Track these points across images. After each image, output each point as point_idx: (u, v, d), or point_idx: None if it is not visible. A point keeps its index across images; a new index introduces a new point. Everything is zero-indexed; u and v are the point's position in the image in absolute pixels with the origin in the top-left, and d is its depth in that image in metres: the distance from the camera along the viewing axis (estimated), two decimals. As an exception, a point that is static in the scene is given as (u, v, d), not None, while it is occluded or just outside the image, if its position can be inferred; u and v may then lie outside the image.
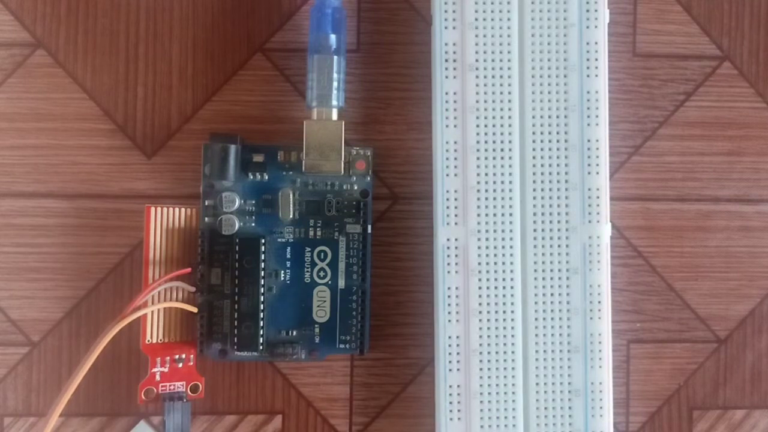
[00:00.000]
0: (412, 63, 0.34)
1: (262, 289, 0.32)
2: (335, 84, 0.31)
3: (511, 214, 0.31)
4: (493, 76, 0.31)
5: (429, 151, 0.31)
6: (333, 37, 0.32)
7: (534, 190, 0.31)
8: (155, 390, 0.32)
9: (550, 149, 0.31)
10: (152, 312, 0.31)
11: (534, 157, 0.31)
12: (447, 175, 0.31)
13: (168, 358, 0.32)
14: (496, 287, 0.30)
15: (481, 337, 0.30)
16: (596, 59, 0.31)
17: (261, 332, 0.32)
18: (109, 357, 0.33)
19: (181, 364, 0.32)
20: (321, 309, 0.32)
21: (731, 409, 0.34)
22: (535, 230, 0.31)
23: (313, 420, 0.33)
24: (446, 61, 0.31)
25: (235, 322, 0.31)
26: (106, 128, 0.33)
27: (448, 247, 0.30)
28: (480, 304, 0.30)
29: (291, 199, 0.32)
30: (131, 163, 0.33)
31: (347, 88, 0.33)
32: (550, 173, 0.31)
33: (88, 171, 0.33)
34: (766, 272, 0.34)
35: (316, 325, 0.32)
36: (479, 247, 0.30)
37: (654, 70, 0.34)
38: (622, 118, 0.34)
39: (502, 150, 0.31)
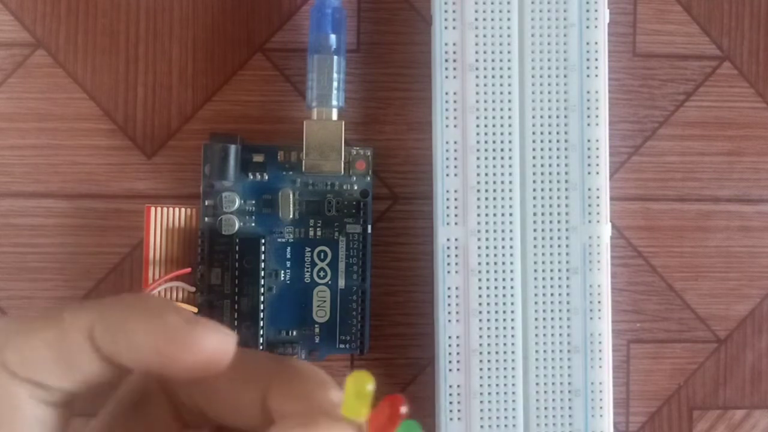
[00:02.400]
0: (412, 63, 0.34)
1: (262, 289, 0.32)
2: (335, 84, 0.31)
3: (511, 214, 0.31)
4: (493, 76, 0.31)
5: (429, 151, 0.31)
6: (333, 37, 0.32)
7: (534, 190, 0.31)
8: (155, 390, 0.32)
9: (550, 149, 0.31)
10: (152, 312, 0.31)
11: (534, 157, 0.31)
12: (447, 175, 0.31)
13: (168, 358, 0.32)
14: (496, 287, 0.30)
15: (481, 337, 0.30)
16: (596, 59, 0.31)
17: (261, 332, 0.32)
18: (109, 357, 0.33)
19: (181, 364, 0.32)
20: (321, 309, 0.32)
21: (731, 409, 0.34)
22: (535, 230, 0.31)
23: (313, 420, 0.33)
24: (446, 61, 0.31)
25: (235, 322, 0.31)
26: (106, 128, 0.33)
27: (448, 247, 0.30)
28: (480, 304, 0.30)
29: (291, 199, 0.32)
30: (131, 163, 0.33)
31: (347, 88, 0.33)
32: (550, 173, 0.31)
33: (88, 171, 0.33)
34: (766, 272, 0.34)
35: (316, 325, 0.32)
36: (479, 247, 0.30)
37: (654, 70, 0.34)
38: (622, 118, 0.34)
39: (502, 150, 0.31)
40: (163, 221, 0.32)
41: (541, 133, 0.31)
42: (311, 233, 0.32)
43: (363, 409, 0.15)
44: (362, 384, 0.15)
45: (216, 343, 0.15)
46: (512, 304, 0.30)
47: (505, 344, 0.30)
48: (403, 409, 0.15)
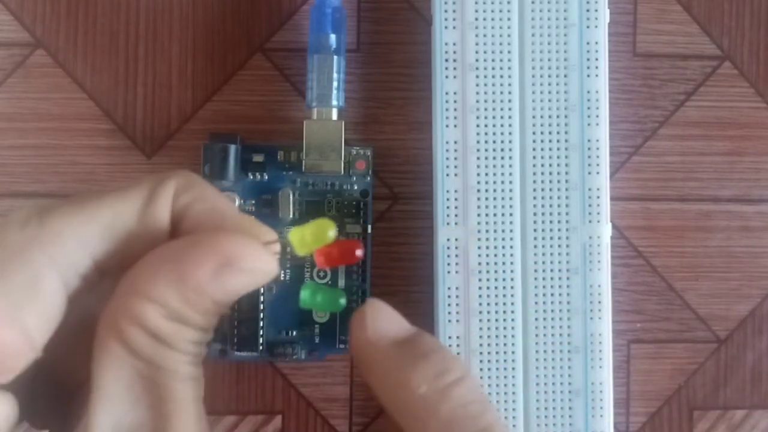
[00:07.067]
0: (412, 63, 0.34)
1: (262, 289, 0.32)
2: (335, 84, 0.31)
3: (511, 214, 0.31)
4: (493, 76, 0.31)
5: (429, 151, 0.31)
6: (333, 37, 0.32)
7: (534, 190, 0.31)
8: (155, 390, 0.32)
9: (550, 149, 0.31)
10: (152, 312, 0.31)
11: (534, 157, 0.31)
12: (447, 175, 0.31)
13: (168, 358, 0.32)
14: (496, 287, 0.30)
15: (481, 337, 0.30)
16: (596, 59, 0.31)
17: (261, 332, 0.32)
18: (108, 357, 0.32)
19: (181, 364, 0.32)
20: (321, 309, 0.32)
21: (732, 410, 0.34)
22: (535, 230, 0.31)
23: (313, 420, 0.33)
24: (446, 61, 0.31)
25: (235, 322, 0.31)
26: (106, 128, 0.33)
27: (448, 247, 0.30)
28: (480, 304, 0.30)
29: (291, 199, 0.32)
30: (131, 163, 0.33)
31: (347, 88, 0.33)
32: (550, 173, 0.31)
33: (88, 171, 0.33)
34: (767, 272, 0.34)
35: (316, 325, 0.32)
36: (479, 247, 0.30)
37: (654, 70, 0.34)
38: (622, 118, 0.34)
39: (502, 150, 0.31)
40: (163, 221, 0.32)
41: (541, 133, 0.31)
42: (311, 233, 0.32)
43: (307, 248, 0.16)
44: (325, 228, 0.16)
45: None
46: (512, 304, 0.30)
47: (505, 344, 0.30)
48: (359, 253, 0.17)
